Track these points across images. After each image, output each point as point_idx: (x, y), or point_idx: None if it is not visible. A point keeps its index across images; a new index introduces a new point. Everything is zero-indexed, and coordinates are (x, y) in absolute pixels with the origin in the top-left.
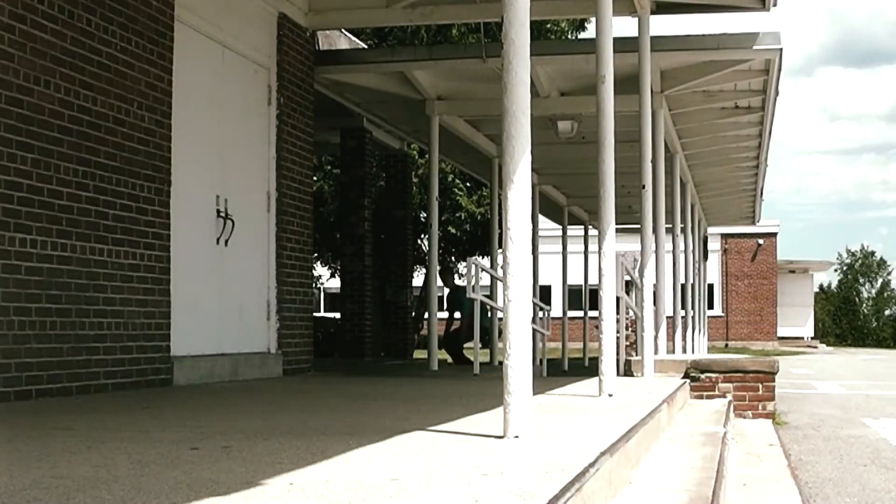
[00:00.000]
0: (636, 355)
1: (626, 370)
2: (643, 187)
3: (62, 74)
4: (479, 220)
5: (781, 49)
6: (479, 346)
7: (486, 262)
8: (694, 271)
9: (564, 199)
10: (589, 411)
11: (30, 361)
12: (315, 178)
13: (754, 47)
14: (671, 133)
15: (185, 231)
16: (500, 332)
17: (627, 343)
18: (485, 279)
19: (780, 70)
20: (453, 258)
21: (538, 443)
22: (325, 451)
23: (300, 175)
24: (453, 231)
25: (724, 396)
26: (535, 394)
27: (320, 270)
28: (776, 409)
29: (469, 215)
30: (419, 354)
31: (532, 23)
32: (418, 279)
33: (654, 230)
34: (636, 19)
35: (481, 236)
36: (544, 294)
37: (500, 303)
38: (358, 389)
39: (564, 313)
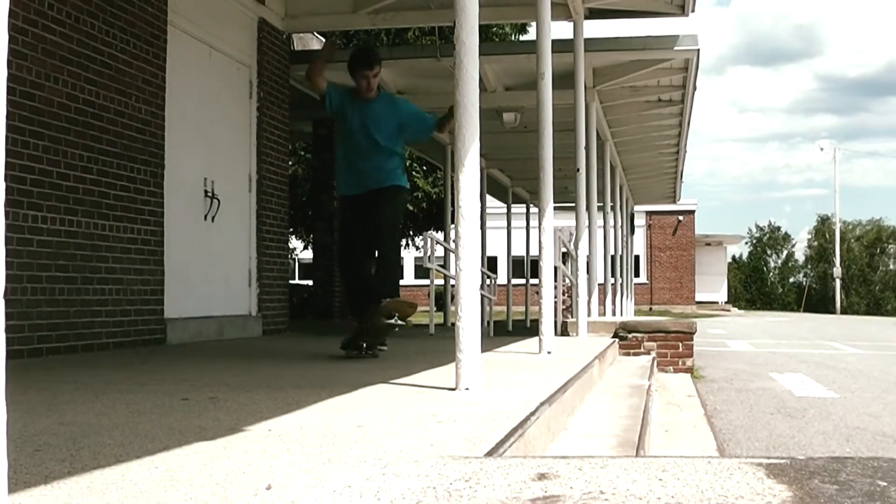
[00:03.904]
0: (572, 318)
1: (563, 331)
2: (578, 170)
3: (69, 72)
4: (434, 199)
5: (699, 50)
6: (434, 309)
7: (440, 236)
8: (622, 244)
9: (509, 181)
10: (530, 366)
11: (41, 323)
12: (290, 163)
13: (675, 48)
14: (602, 123)
15: (176, 209)
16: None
17: (564, 307)
18: (439, 251)
19: (697, 68)
20: (412, 233)
21: (486, 394)
22: (300, 402)
23: (277, 160)
24: (411, 209)
25: (649, 353)
26: (483, 351)
27: (295, 243)
28: (694, 364)
29: (425, 195)
30: None
31: (480, 26)
32: None
33: (587, 208)
34: (572, 24)
35: (436, 213)
36: (491, 264)
37: (453, 271)
38: (329, 347)
39: (509, 281)
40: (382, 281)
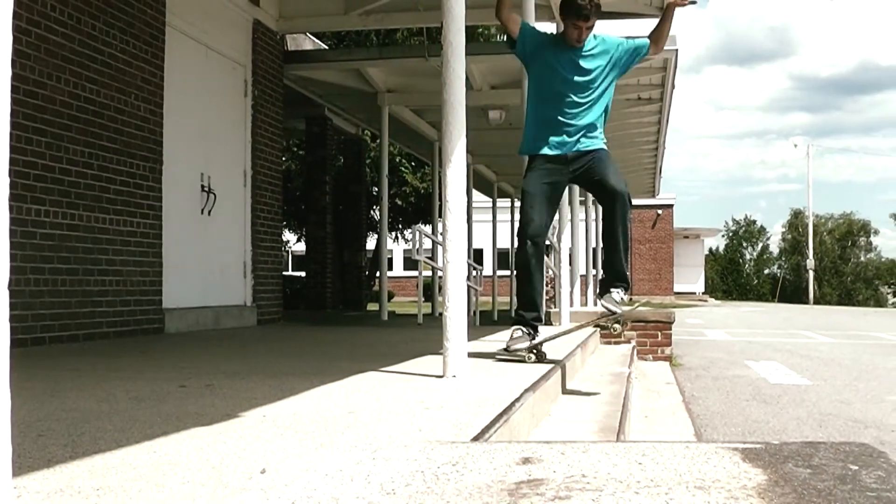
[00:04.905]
0: (555, 308)
1: (546, 320)
2: None
3: (71, 71)
4: (423, 194)
5: (677, 50)
6: (423, 299)
7: (428, 229)
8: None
9: (494, 176)
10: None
11: (44, 313)
12: (284, 159)
13: None
14: None
15: (174, 203)
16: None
17: (547, 297)
18: (427, 244)
19: (675, 67)
20: (401, 226)
21: (472, 381)
22: (293, 389)
23: (271, 156)
24: (400, 203)
25: (629, 342)
26: (469, 340)
27: (288, 236)
28: (673, 353)
29: (414, 190)
30: (372, 307)
31: (466, 27)
32: (371, 244)
33: (570, 202)
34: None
35: (424, 207)
36: (477, 256)
37: (440, 263)
38: (321, 336)
39: (494, 272)
40: (622, 263)
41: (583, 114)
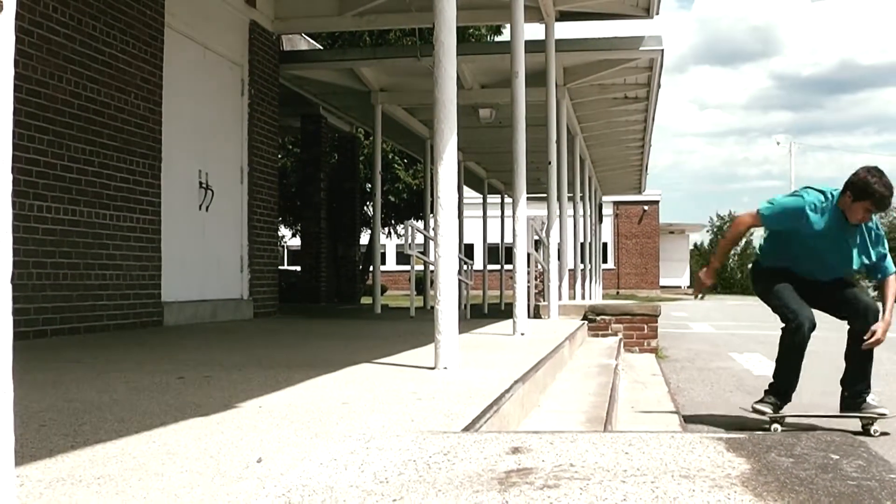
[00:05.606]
0: (544, 301)
1: (536, 313)
2: (549, 163)
3: (72, 70)
4: (415, 191)
5: (662, 50)
6: (415, 293)
7: (420, 224)
8: (591, 232)
9: (484, 173)
10: (505, 347)
11: (46, 306)
12: (280, 156)
13: (640, 48)
14: (572, 118)
15: (173, 199)
16: None
17: (536, 291)
18: (419, 239)
19: (661, 67)
20: (393, 222)
21: (463, 373)
22: (289, 380)
23: (267, 153)
24: (393, 199)
25: (616, 335)
26: (460, 333)
27: (284, 231)
28: (658, 345)
29: (406, 186)
30: (365, 300)
31: (457, 28)
32: (364, 239)
33: (558, 198)
34: (544, 25)
35: (416, 203)
36: (468, 251)
37: (432, 258)
38: (315, 329)
39: (484, 266)
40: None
41: (829, 269)
